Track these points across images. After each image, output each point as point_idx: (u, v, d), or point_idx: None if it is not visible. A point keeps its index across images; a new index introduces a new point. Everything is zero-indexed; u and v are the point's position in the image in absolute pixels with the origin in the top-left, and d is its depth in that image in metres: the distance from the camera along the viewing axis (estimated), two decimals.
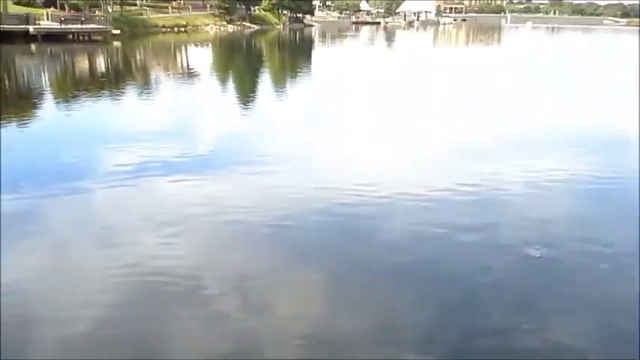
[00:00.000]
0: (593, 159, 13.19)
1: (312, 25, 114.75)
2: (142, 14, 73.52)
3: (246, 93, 25.09)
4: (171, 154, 12.58)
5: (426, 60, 47.70)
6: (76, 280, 6.98)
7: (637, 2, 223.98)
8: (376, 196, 9.96)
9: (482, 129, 16.57)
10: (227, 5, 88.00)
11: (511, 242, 8.13)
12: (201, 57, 46.32)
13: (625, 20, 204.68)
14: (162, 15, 77.35)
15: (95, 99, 21.32)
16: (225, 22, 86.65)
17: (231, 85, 29.59)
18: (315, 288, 6.99)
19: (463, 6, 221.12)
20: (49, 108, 19.95)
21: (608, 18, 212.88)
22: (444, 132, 15.97)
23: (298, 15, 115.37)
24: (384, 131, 16.14)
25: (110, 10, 66.51)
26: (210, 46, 58.45)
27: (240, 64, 41.37)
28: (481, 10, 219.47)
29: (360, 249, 7.99)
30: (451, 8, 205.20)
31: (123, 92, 23.86)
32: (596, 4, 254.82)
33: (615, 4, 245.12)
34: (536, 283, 7.02)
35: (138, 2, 79.42)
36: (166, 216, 8.96)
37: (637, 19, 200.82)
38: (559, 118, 18.60)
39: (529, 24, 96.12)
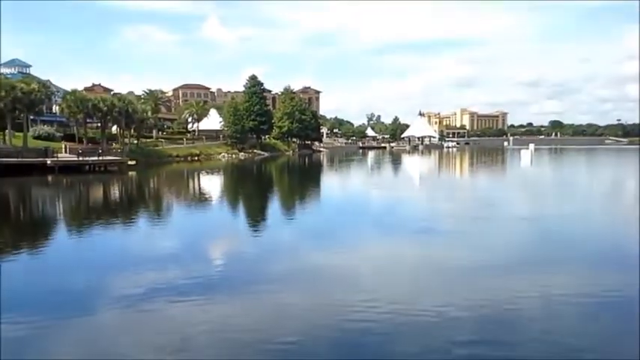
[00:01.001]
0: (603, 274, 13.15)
1: (320, 151, 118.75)
2: (157, 145, 76.85)
3: (254, 216, 25.53)
4: (179, 277, 12.67)
5: (430, 181, 48.79)
6: None
7: (637, 122, 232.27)
8: (384, 314, 9.87)
9: (485, 246, 16.62)
10: (239, 135, 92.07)
11: None
12: (212, 183, 47.66)
13: (626, 139, 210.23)
14: (176, 145, 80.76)
15: (106, 226, 21.75)
16: (236, 151, 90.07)
17: (240, 208, 30.16)
18: None
19: (465, 131, 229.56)
20: (60, 236, 20.36)
21: (610, 138, 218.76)
22: (451, 248, 16.01)
23: (307, 142, 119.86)
24: (389, 250, 16.26)
25: (127, 142, 69.64)
26: (221, 172, 60.33)
27: (250, 189, 42.39)
28: (483, 134, 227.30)
29: None
30: (454, 133, 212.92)
31: (134, 219, 24.37)
32: (596, 125, 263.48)
33: (615, 125, 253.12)
34: None
35: (154, 134, 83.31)
36: (173, 338, 8.90)
37: (638, 138, 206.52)
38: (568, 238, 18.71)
39: (532, 146, 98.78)
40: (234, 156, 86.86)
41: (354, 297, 11.00)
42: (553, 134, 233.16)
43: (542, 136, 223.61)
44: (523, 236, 18.37)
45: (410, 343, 8.76)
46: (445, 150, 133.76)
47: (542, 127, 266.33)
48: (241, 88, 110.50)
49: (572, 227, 20.32)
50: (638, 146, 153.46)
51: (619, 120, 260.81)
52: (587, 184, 42.37)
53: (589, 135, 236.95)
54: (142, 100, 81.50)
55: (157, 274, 12.95)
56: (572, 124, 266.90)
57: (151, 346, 8.64)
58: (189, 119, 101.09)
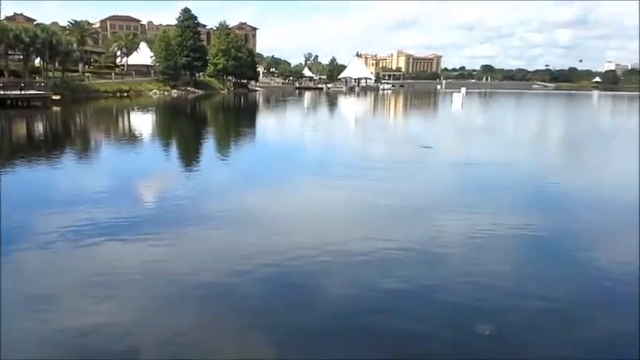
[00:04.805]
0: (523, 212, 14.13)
1: (256, 90, 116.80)
2: (83, 80, 73.29)
3: (187, 156, 25.32)
4: (107, 217, 12.51)
5: (365, 123, 49.46)
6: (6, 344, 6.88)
7: (564, 68, 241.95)
8: (319, 255, 10.16)
9: (417, 187, 17.32)
10: (171, 71, 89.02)
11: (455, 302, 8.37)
12: (143, 121, 46.33)
13: (553, 85, 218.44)
14: (104, 80, 77.31)
15: (29, 165, 21.01)
16: (169, 88, 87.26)
17: (172, 148, 29.77)
18: (257, 349, 6.99)
19: (401, 73, 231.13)
20: None
21: (538, 83, 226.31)
22: (380, 192, 16.37)
23: (242, 80, 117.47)
24: (321, 193, 16.59)
25: (51, 75, 66.08)
26: (153, 110, 58.62)
27: (183, 128, 41.68)
28: (418, 76, 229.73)
29: (305, 307, 8.11)
30: (390, 75, 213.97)
31: (59, 158, 23.63)
32: (525, 69, 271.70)
33: (543, 70, 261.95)
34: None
35: (80, 68, 79.27)
36: (104, 278, 8.88)
37: (566, 84, 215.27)
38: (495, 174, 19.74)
39: (463, 89, 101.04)
40: (166, 93, 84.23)
41: (282, 238, 11.29)
42: (484, 78, 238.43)
43: (474, 80, 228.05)
44: (450, 180, 19.04)
45: (337, 280, 9.17)
46: (381, 92, 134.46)
47: (474, 71, 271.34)
48: (174, 22, 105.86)
49: (498, 172, 20.99)
50: (564, 91, 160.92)
51: (547, 65, 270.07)
52: (514, 130, 44.24)
53: (518, 80, 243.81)
54: (67, 32, 76.57)
55: (84, 213, 12.75)
56: (503, 69, 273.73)
57: (78, 286, 8.66)
58: (118, 53, 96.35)
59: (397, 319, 7.73)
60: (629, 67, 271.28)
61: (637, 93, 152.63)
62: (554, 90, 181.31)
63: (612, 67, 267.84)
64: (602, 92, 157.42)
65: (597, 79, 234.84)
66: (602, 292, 8.87)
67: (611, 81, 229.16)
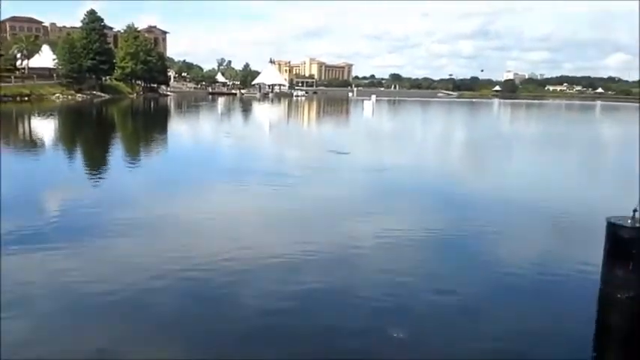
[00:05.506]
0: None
1: (167, 95, 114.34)
2: None
3: (94, 163, 24.49)
4: (11, 228, 11.83)
5: (280, 129, 49.82)
6: None
7: (466, 77, 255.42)
8: (233, 261, 10.22)
9: (327, 195, 17.75)
10: (75, 75, 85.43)
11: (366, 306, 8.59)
12: (45, 127, 44.01)
13: (456, 93, 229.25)
14: (3, 84, 72.85)
15: None
16: (73, 92, 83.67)
17: (77, 155, 28.68)
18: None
19: (314, 80, 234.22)
20: None
21: (442, 91, 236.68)
22: (299, 195, 16.84)
23: (153, 85, 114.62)
24: (240, 197, 16.70)
25: None
26: (56, 115, 55.85)
27: (88, 134, 40.12)
28: (330, 84, 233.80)
29: (220, 313, 8.16)
30: (303, 82, 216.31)
31: None
32: (430, 78, 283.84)
33: (447, 79, 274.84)
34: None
35: None
36: (5, 292, 8.36)
37: (468, 92, 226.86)
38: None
39: (373, 97, 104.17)
40: (70, 97, 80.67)
41: (195, 245, 11.26)
42: (393, 87, 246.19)
43: (383, 88, 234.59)
44: (364, 185, 19.60)
45: (251, 286, 9.30)
46: (294, 99, 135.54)
47: (383, 79, 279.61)
48: (78, 24, 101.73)
49: (408, 176, 21.80)
50: (466, 100, 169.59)
51: (451, 75, 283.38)
52: (422, 135, 46.26)
53: (424, 88, 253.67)
54: None
55: None
56: (410, 78, 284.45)
57: None
58: (18, 55, 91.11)
59: (312, 323, 7.98)
60: (527, 77, 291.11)
61: (534, 101, 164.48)
62: (457, 98, 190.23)
63: (511, 76, 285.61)
64: (502, 100, 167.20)
65: (497, 87, 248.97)
66: (507, 289, 9.51)
67: (510, 89, 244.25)
